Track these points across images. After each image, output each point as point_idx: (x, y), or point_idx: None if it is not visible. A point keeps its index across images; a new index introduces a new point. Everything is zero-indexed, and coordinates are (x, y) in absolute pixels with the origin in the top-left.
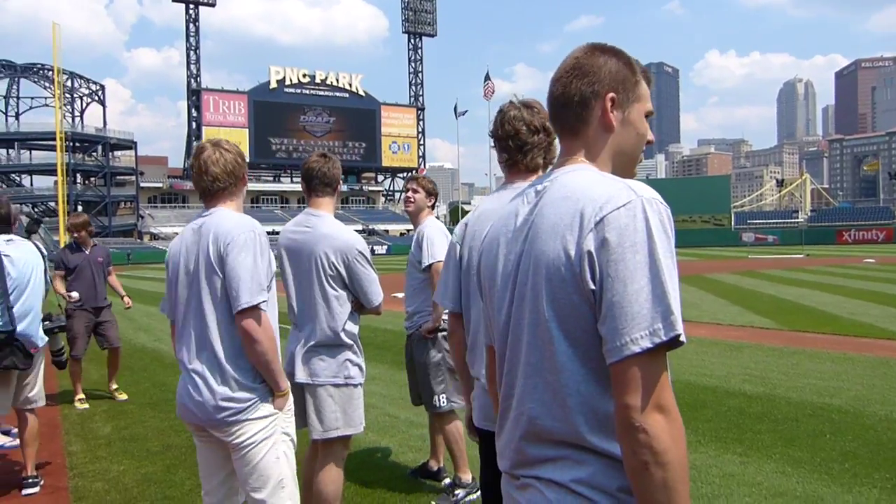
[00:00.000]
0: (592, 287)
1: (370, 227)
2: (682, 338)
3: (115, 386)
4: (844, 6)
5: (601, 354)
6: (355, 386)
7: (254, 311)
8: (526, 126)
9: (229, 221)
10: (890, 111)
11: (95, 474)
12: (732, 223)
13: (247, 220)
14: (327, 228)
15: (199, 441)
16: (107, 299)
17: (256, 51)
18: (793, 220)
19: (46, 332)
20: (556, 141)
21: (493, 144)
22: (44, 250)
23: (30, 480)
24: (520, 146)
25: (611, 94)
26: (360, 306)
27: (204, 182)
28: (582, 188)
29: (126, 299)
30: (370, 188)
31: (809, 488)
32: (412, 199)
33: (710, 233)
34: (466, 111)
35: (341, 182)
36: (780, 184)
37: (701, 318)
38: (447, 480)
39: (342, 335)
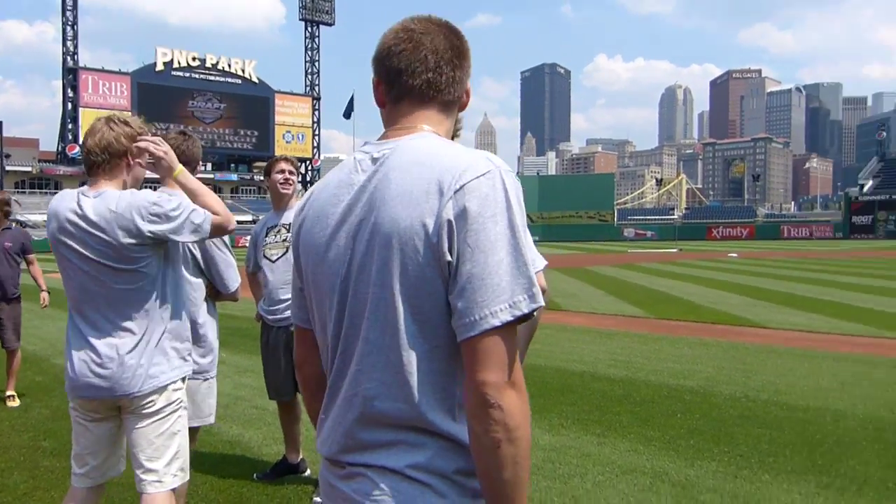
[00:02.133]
0: (449, 259)
1: (261, 217)
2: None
3: (10, 392)
4: (718, 19)
5: (447, 332)
6: (205, 378)
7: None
8: None
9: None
10: (755, 119)
11: None
12: (615, 219)
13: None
14: None
15: (87, 420)
16: (16, 291)
17: (143, 30)
18: (669, 217)
19: None
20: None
21: None
22: None
23: None
24: None
25: (467, 74)
26: (216, 293)
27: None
28: (436, 155)
29: (43, 296)
30: (261, 178)
31: (657, 464)
32: (291, 182)
33: (595, 228)
34: (352, 109)
35: (200, 163)
36: (660, 183)
37: (579, 307)
38: (308, 472)
39: (196, 324)
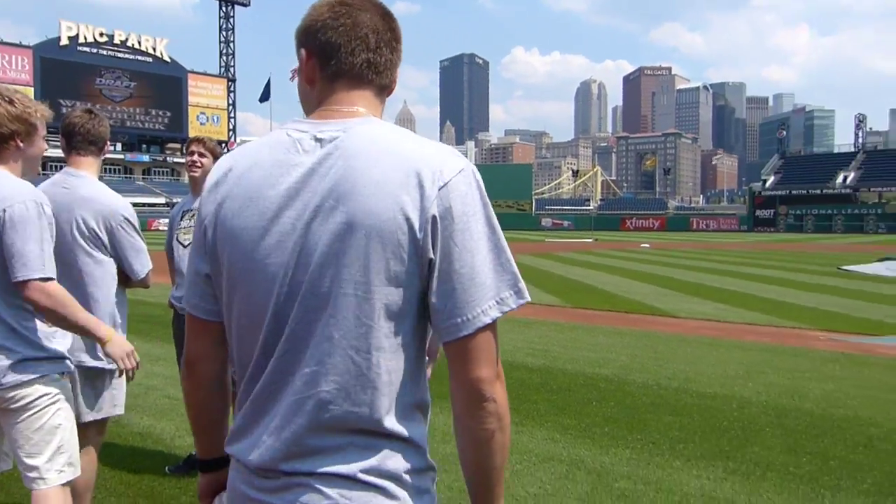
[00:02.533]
0: (431, 257)
1: (174, 200)
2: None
3: None
4: (630, 18)
5: (415, 331)
6: (111, 368)
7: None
8: None
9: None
10: (666, 114)
11: None
12: (533, 209)
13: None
14: (88, 191)
15: None
16: None
17: (45, 2)
18: (585, 208)
19: None
20: None
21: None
22: None
23: None
24: None
25: (400, 60)
26: (125, 279)
27: None
28: (404, 147)
29: None
30: (175, 160)
31: (574, 452)
32: (199, 164)
33: (514, 217)
34: (269, 93)
35: (109, 143)
36: (576, 174)
37: None
38: None
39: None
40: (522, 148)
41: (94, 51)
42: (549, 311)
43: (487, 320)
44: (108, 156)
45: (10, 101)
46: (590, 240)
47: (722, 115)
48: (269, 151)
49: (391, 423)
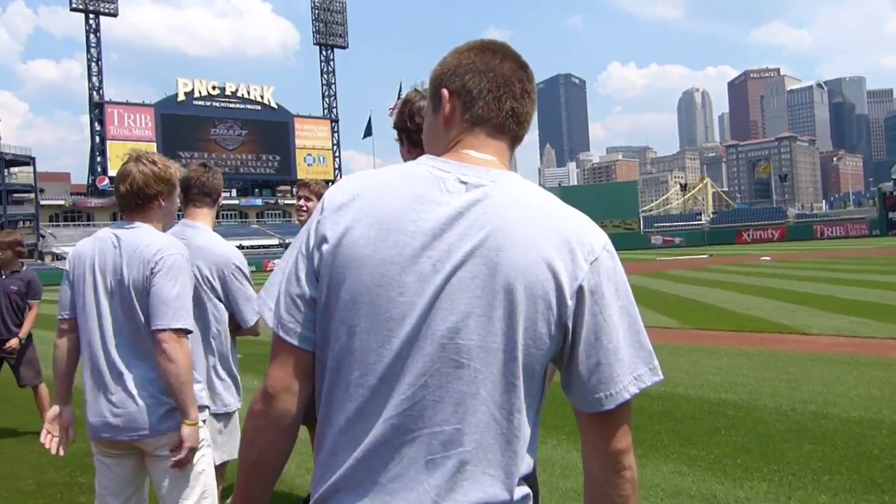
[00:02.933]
0: (570, 325)
1: (287, 241)
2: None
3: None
4: (729, 21)
5: (540, 393)
6: (230, 412)
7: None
8: None
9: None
10: (777, 118)
11: None
12: (641, 227)
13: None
14: (202, 241)
15: (108, 459)
16: (20, 332)
17: (163, 63)
18: (697, 222)
19: None
20: None
21: (396, 138)
22: None
23: None
24: None
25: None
26: (236, 327)
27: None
28: (553, 210)
29: (13, 341)
30: (286, 202)
31: (704, 486)
32: (306, 209)
33: (621, 237)
34: (371, 133)
35: (222, 194)
36: (684, 188)
37: None
38: None
39: (224, 358)
40: (626, 165)
41: (208, 103)
42: (665, 333)
43: (627, 396)
44: (223, 202)
45: (154, 163)
46: (704, 255)
47: (840, 113)
48: (408, 184)
49: (518, 490)
